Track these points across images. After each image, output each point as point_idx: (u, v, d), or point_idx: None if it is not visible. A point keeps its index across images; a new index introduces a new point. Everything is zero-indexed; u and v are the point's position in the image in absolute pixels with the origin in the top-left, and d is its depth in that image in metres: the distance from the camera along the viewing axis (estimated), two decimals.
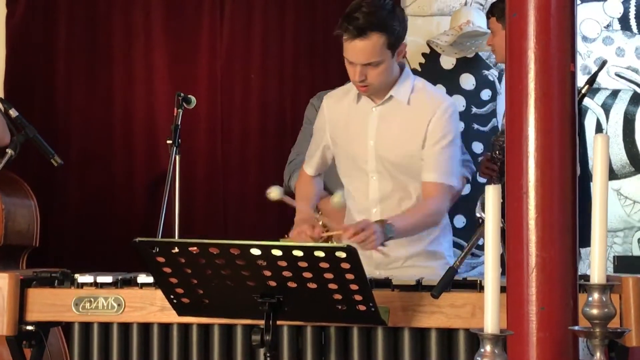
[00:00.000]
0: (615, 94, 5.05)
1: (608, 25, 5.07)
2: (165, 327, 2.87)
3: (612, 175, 4.99)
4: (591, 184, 1.81)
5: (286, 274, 2.41)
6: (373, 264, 3.33)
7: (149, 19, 5.01)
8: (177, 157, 3.78)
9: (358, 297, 2.45)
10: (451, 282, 2.63)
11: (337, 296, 2.45)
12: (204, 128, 4.95)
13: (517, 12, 2.03)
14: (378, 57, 3.18)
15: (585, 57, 5.02)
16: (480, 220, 2.44)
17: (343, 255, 2.33)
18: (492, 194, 1.76)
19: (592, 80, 3.27)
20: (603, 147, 1.76)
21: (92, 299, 2.89)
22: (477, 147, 4.96)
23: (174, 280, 2.53)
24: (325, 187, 4.04)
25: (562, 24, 2.02)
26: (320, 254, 2.34)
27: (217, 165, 4.95)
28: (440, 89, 5.00)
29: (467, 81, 5.05)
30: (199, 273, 2.48)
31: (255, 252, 2.37)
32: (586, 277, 2.03)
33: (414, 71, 4.98)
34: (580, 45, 4.98)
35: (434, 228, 3.41)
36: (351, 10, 3.18)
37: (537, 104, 1.99)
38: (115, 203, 4.94)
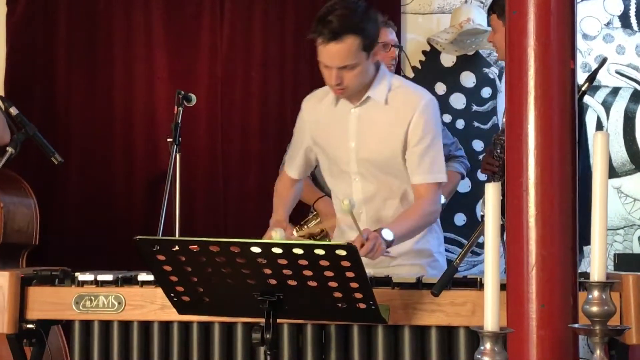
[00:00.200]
0: (615, 91, 5.04)
1: (608, 23, 5.06)
2: (166, 326, 2.88)
3: (613, 173, 4.98)
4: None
5: (286, 272, 2.40)
6: None
7: (149, 16, 5.01)
8: (178, 156, 3.78)
9: (358, 295, 2.44)
10: (451, 280, 2.63)
11: (338, 294, 2.45)
12: (204, 126, 4.94)
13: (517, 9, 2.03)
14: (353, 60, 3.15)
15: (586, 54, 5.02)
16: (483, 218, 2.44)
17: (343, 253, 2.33)
18: (492, 192, 1.75)
19: (592, 77, 3.26)
20: (603, 144, 1.76)
21: (93, 297, 2.90)
22: (478, 145, 4.95)
23: (174, 278, 2.53)
24: (321, 187, 4.05)
25: (562, 21, 2.02)
26: (321, 252, 2.34)
27: (217, 164, 4.94)
28: (440, 85, 5.01)
29: (468, 79, 5.04)
30: (199, 271, 2.48)
31: (256, 250, 2.36)
32: (586, 275, 2.03)
33: (414, 69, 4.98)
34: (580, 43, 4.97)
35: None
36: (324, 14, 3.14)
37: (537, 102, 1.98)
38: (115, 201, 4.94)
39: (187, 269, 2.49)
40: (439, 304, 2.69)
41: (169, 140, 3.78)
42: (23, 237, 4.20)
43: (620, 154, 5.03)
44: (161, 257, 2.47)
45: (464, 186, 4.84)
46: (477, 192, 4.81)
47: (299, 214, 4.15)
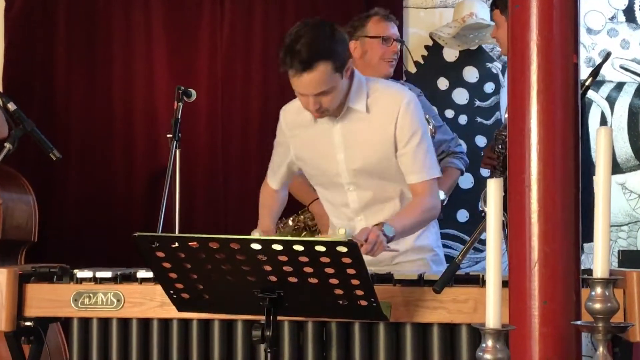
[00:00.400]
0: (620, 86, 5.02)
1: (613, 17, 5.04)
2: (165, 323, 2.87)
3: (617, 169, 4.96)
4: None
5: (287, 269, 2.39)
6: None
7: (149, 11, 4.99)
8: (178, 152, 3.76)
9: (359, 292, 2.43)
10: (453, 277, 2.61)
11: (338, 291, 2.43)
12: (204, 122, 4.93)
13: (519, 3, 2.01)
14: (329, 85, 3.11)
15: (590, 49, 4.99)
16: (483, 214, 2.42)
17: (344, 250, 2.31)
18: (493, 188, 1.73)
19: (595, 72, 3.25)
20: (606, 139, 1.74)
21: (91, 295, 2.88)
22: (481, 140, 4.93)
23: (173, 275, 2.52)
24: None
25: (565, 15, 2.00)
26: (321, 248, 2.32)
27: (217, 159, 4.93)
28: (443, 80, 4.99)
29: (471, 74, 5.02)
30: (199, 268, 2.47)
31: (256, 247, 2.35)
32: (589, 272, 2.01)
33: (416, 64, 4.96)
34: (584, 38, 4.95)
35: None
36: (291, 43, 3.08)
37: (540, 96, 1.97)
38: (115, 197, 4.92)
39: (186, 266, 2.47)
40: (441, 301, 2.68)
41: (168, 136, 3.77)
42: (22, 233, 4.19)
43: (624, 149, 5.01)
44: (160, 254, 2.46)
45: (467, 182, 4.82)
46: (480, 188, 4.78)
47: (295, 206, 4.14)
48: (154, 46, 4.98)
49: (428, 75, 4.91)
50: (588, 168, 3.35)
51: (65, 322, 3.08)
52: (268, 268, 2.40)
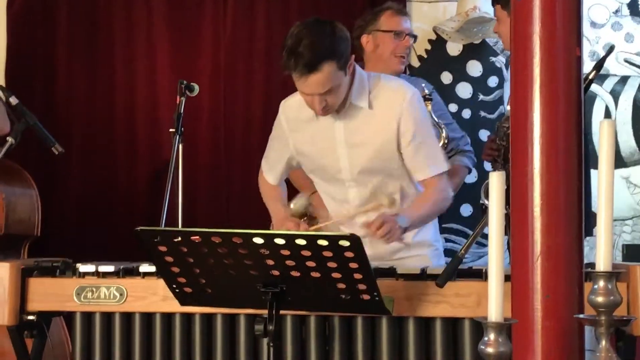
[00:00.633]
0: (624, 80, 5.01)
1: (617, 11, 5.02)
2: (168, 317, 2.86)
3: (621, 162, 4.95)
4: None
5: (289, 263, 2.38)
6: None
7: (151, 6, 4.98)
8: (180, 146, 3.75)
9: (362, 287, 2.42)
10: (456, 271, 2.61)
11: (341, 285, 2.43)
12: (207, 117, 4.92)
13: None
14: (333, 84, 3.10)
15: (594, 43, 4.98)
16: (484, 207, 2.42)
17: (347, 244, 2.31)
18: (495, 181, 1.73)
19: (599, 65, 3.24)
20: (609, 132, 1.73)
21: (94, 289, 2.88)
22: (484, 134, 4.91)
23: (176, 269, 2.51)
24: None
25: (568, 8, 2.00)
26: (324, 242, 2.31)
27: (220, 154, 4.93)
28: (446, 74, 4.98)
29: (474, 68, 5.01)
30: (202, 262, 2.46)
31: (258, 241, 2.34)
32: (592, 265, 2.00)
33: (420, 58, 4.95)
34: (588, 31, 4.94)
35: None
36: (293, 45, 3.05)
37: (543, 90, 1.96)
38: (117, 192, 4.92)
39: (189, 260, 2.47)
40: (443, 295, 2.67)
41: (171, 130, 3.76)
42: (24, 228, 4.19)
43: (628, 143, 5.00)
44: (163, 248, 2.45)
45: (471, 177, 4.81)
46: (484, 182, 4.78)
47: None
48: (157, 41, 4.98)
49: (431, 69, 4.91)
50: (586, 163, 3.36)
51: (68, 316, 3.08)
52: (270, 262, 2.39)
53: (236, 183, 4.91)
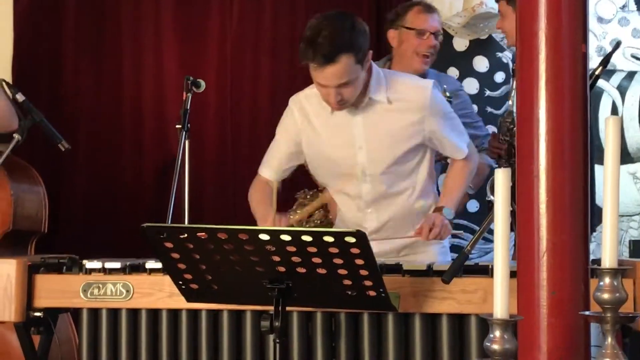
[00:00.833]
0: (631, 75, 5.00)
1: (624, 6, 5.01)
2: (174, 313, 2.87)
3: (628, 158, 4.94)
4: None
5: (295, 259, 2.38)
6: None
7: (158, 1, 4.99)
8: (187, 142, 3.75)
9: (368, 283, 2.42)
10: (462, 267, 2.61)
11: (347, 282, 2.43)
12: (214, 113, 4.92)
13: None
14: (351, 77, 3.12)
15: (601, 38, 4.97)
16: (490, 203, 2.42)
17: (352, 240, 2.31)
18: (501, 177, 1.72)
19: (605, 61, 3.24)
20: (615, 128, 1.72)
21: (101, 285, 2.89)
22: (491, 130, 4.91)
23: (182, 266, 2.52)
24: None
25: (574, 4, 1.99)
26: (330, 239, 2.31)
27: (226, 150, 4.93)
28: (453, 70, 4.97)
29: (481, 63, 5.00)
30: (208, 259, 2.47)
31: (264, 237, 2.35)
32: (598, 262, 2.00)
33: None
34: (595, 27, 4.92)
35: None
36: (312, 36, 3.08)
37: (548, 86, 1.96)
38: (124, 188, 4.92)
39: (195, 257, 2.47)
40: (449, 292, 2.67)
41: (177, 126, 3.76)
42: (32, 224, 4.20)
43: (635, 139, 4.98)
44: (169, 245, 2.46)
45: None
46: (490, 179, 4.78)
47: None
48: (163, 37, 4.98)
49: (438, 65, 4.88)
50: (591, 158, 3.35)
51: (75, 313, 3.09)
52: (277, 258, 2.40)
53: (243, 179, 4.88)
